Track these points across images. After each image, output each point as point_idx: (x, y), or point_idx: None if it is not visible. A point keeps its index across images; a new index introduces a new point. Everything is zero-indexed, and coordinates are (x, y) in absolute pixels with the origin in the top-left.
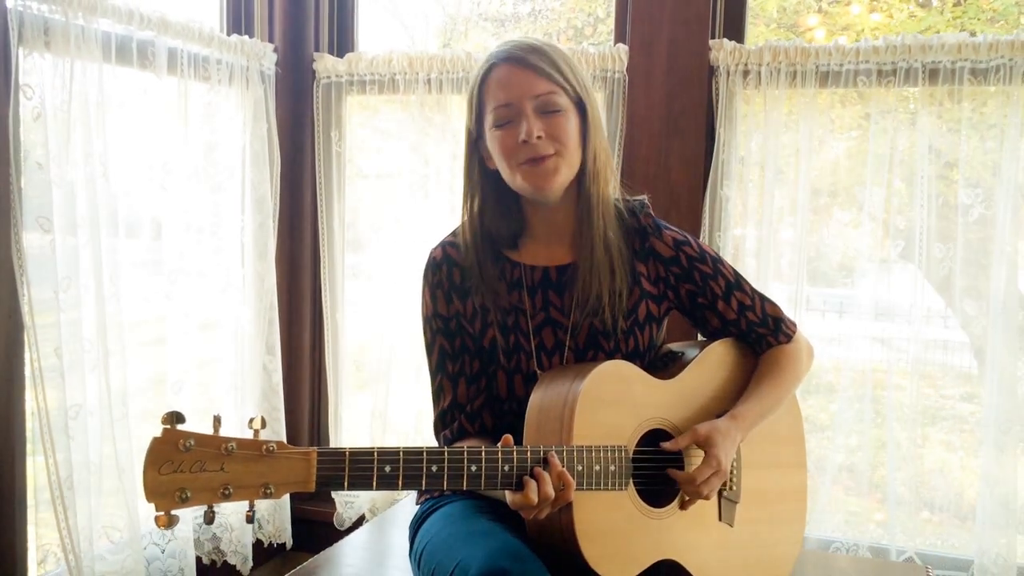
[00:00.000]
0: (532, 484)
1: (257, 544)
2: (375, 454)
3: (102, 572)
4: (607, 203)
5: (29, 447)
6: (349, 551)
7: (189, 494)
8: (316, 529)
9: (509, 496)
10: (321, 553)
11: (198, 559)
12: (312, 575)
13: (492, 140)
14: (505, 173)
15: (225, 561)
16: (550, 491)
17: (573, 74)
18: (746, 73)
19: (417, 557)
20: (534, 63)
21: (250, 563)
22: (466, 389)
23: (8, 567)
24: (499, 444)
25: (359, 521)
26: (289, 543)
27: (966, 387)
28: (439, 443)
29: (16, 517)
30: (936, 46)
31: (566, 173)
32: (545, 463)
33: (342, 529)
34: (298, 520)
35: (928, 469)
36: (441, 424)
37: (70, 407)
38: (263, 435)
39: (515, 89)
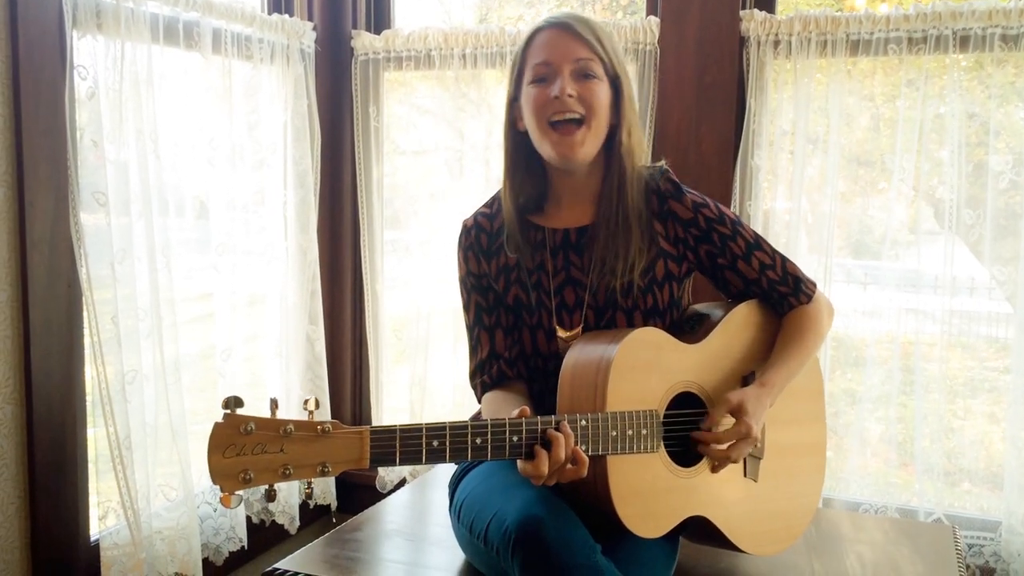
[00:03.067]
0: (543, 454)
1: (303, 505)
2: (423, 430)
3: (159, 528)
4: (638, 176)
5: (89, 411)
6: (391, 509)
7: (252, 475)
8: (359, 492)
9: (520, 464)
10: (365, 511)
11: (248, 518)
12: (357, 531)
13: (525, 97)
14: (533, 133)
15: (273, 521)
16: (561, 455)
17: (613, 49)
18: (777, 43)
19: (457, 510)
20: (579, 30)
21: (297, 523)
22: (504, 338)
23: (73, 522)
24: (535, 416)
25: (400, 484)
26: (334, 504)
27: (1004, 359)
28: (476, 391)
29: (79, 476)
30: (967, 13)
31: (592, 144)
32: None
33: (384, 492)
34: (342, 483)
35: (962, 441)
36: (479, 372)
37: (127, 372)
38: (317, 416)
39: (557, 50)
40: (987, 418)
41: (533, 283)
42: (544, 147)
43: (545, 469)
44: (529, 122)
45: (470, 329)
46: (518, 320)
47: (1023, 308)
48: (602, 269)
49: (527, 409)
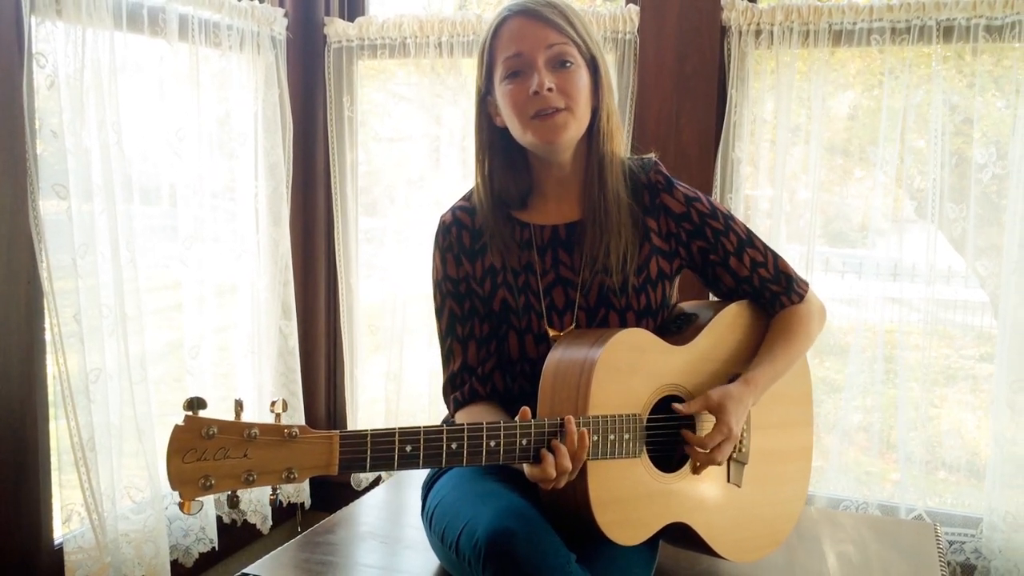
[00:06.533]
0: (549, 458)
1: (276, 504)
2: (396, 434)
3: (125, 531)
4: (617, 162)
5: (51, 410)
6: (365, 509)
7: (213, 481)
8: (333, 490)
9: (527, 469)
10: (338, 511)
11: (218, 518)
12: (330, 533)
13: (502, 94)
14: (514, 128)
15: (245, 520)
16: (567, 464)
17: (586, 31)
18: (758, 33)
19: (428, 518)
20: (547, 16)
21: (269, 522)
22: (476, 352)
23: (34, 525)
24: (517, 417)
25: (375, 482)
26: (307, 503)
27: (981, 347)
28: (449, 406)
29: (41, 478)
30: (951, 3)
31: (575, 129)
32: (561, 427)
33: (359, 490)
34: (316, 481)
35: (941, 429)
36: (451, 387)
37: (90, 371)
38: (288, 416)
39: (527, 40)
40: (961, 407)
41: (520, 285)
42: (526, 137)
43: (553, 472)
44: (509, 119)
45: (442, 338)
46: (495, 329)
47: (1006, 303)
48: (593, 266)
49: (527, 410)
